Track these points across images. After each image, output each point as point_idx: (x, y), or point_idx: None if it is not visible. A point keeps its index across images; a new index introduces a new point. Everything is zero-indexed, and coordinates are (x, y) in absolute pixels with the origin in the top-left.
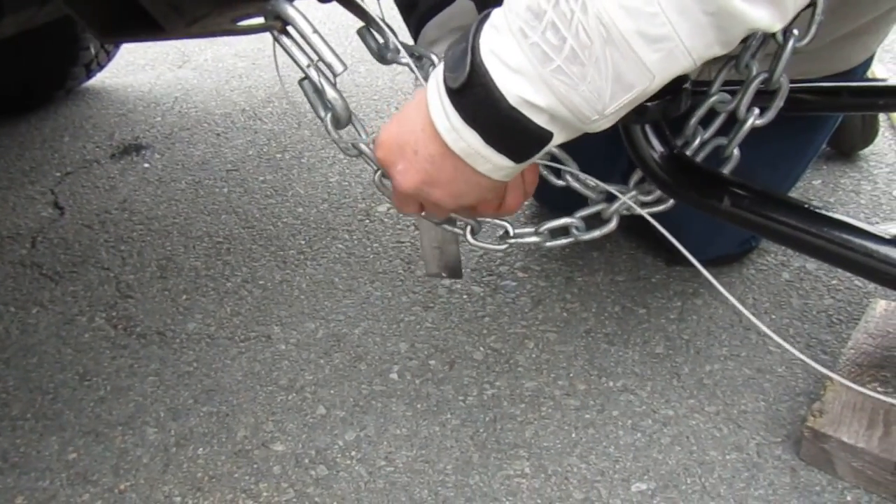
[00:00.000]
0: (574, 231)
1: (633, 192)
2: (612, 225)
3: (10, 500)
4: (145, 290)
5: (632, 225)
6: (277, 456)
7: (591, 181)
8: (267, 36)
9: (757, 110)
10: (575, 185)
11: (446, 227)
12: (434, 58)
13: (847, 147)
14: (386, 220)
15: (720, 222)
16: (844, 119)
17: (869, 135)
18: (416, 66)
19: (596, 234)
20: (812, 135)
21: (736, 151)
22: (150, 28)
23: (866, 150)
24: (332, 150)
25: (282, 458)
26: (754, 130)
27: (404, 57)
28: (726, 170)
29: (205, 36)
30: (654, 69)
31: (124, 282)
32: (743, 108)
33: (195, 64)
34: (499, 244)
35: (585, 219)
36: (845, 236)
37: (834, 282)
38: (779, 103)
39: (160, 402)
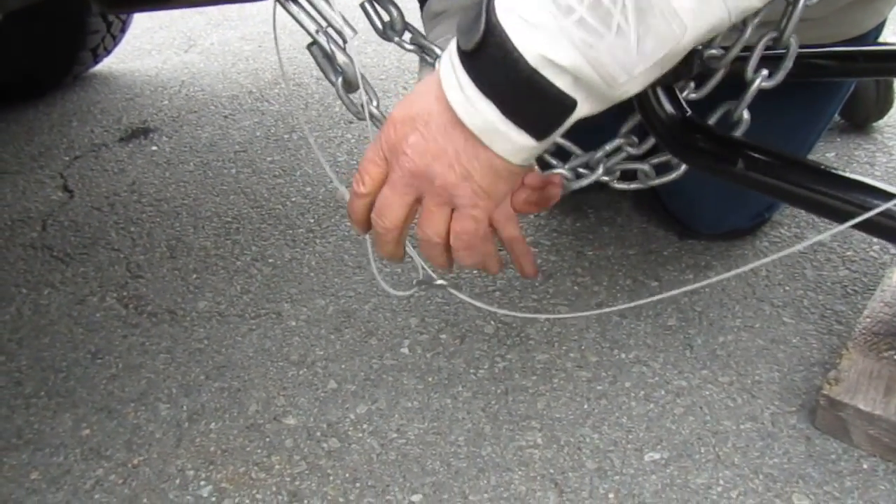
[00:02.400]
0: (564, 181)
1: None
2: (598, 174)
3: (26, 476)
4: (155, 270)
5: (643, 199)
6: (289, 429)
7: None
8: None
9: (766, 72)
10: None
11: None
12: (437, 50)
13: (861, 118)
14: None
15: (732, 196)
16: (858, 90)
17: (884, 105)
18: (421, 53)
19: (583, 182)
20: (825, 102)
21: (746, 114)
22: None
23: (881, 122)
24: (341, 130)
25: (294, 432)
26: (768, 97)
27: (406, 42)
28: (737, 133)
29: (210, 4)
30: (685, 18)
31: (134, 262)
32: (750, 70)
33: (201, 48)
34: None
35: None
36: (863, 197)
37: (849, 253)
38: (788, 64)
39: (172, 378)
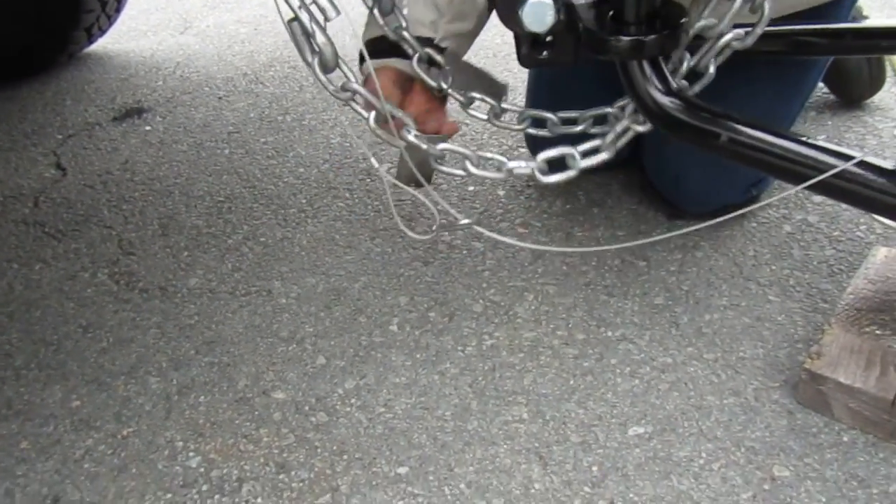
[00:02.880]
0: (571, 160)
1: (627, 122)
2: (606, 155)
3: (16, 445)
4: (147, 247)
5: (633, 182)
6: (278, 403)
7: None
8: (269, 2)
9: (741, 31)
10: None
11: (442, 168)
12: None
13: (856, 96)
14: (389, 176)
15: (718, 174)
16: (852, 69)
17: (877, 82)
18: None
19: (593, 161)
20: (804, 74)
21: (711, 69)
22: None
23: (872, 104)
24: (334, 112)
25: (282, 406)
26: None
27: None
28: (698, 86)
29: None
30: None
31: (126, 239)
32: (721, 28)
33: (197, 30)
34: (497, 173)
35: (582, 153)
36: (862, 172)
37: (836, 233)
38: (758, 31)
39: (162, 352)
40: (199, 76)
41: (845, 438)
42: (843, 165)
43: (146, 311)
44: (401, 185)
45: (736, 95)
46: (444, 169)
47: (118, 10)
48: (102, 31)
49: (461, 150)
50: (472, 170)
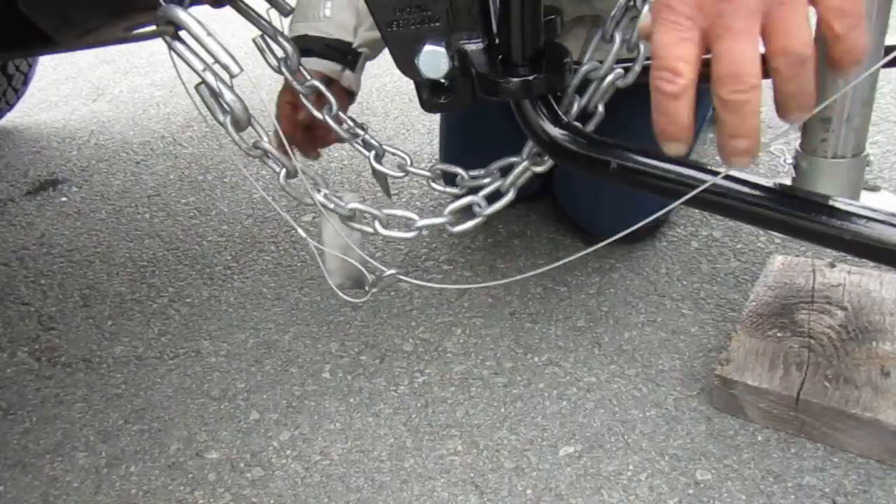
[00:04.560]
0: (476, 209)
1: (526, 163)
2: (511, 196)
3: None
4: (68, 320)
5: (550, 211)
6: (212, 463)
7: (474, 172)
8: (181, 65)
9: (620, 70)
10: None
11: (353, 224)
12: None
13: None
14: (311, 229)
15: (627, 199)
16: None
17: None
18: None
19: (497, 206)
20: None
21: (600, 108)
22: (41, 42)
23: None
24: (256, 167)
25: (217, 465)
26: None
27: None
28: (590, 126)
29: (99, 45)
30: None
31: (46, 314)
32: (603, 72)
33: (110, 97)
34: (408, 233)
35: (487, 197)
36: (730, 185)
37: (739, 245)
38: (637, 68)
39: (89, 426)
40: (114, 143)
41: (759, 438)
42: (712, 180)
43: (70, 386)
44: (325, 249)
45: (640, 123)
46: (356, 226)
47: (25, 84)
48: (10, 106)
49: (370, 209)
50: (382, 231)
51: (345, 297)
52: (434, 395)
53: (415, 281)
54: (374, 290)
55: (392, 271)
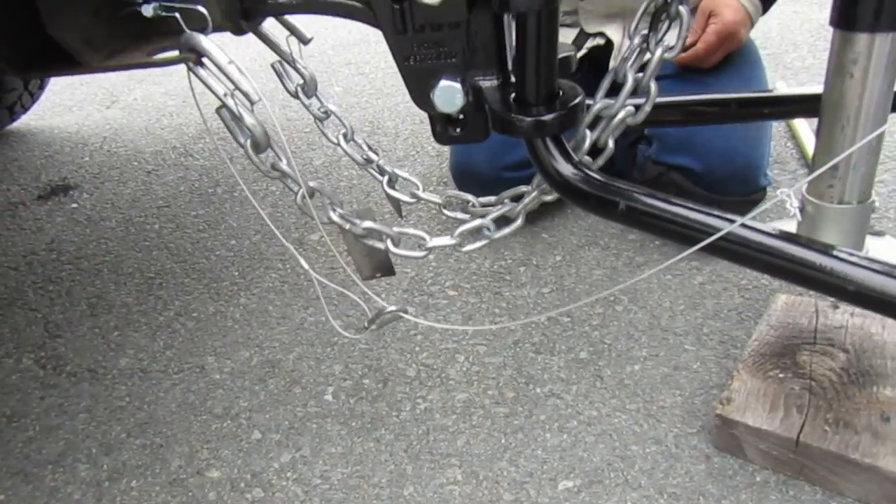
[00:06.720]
0: (486, 231)
1: (536, 192)
2: (520, 222)
3: None
4: (75, 328)
5: (556, 239)
6: (213, 482)
7: (484, 199)
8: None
9: (631, 108)
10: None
11: (368, 241)
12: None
13: None
14: (319, 248)
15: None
16: None
17: None
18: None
19: (506, 231)
20: None
21: (610, 144)
22: (66, 62)
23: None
24: (265, 183)
25: (217, 485)
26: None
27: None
28: (599, 161)
29: (123, 69)
30: None
31: (53, 322)
32: (616, 108)
33: (124, 104)
34: (419, 252)
35: (496, 220)
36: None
37: (743, 281)
38: (647, 108)
39: (92, 438)
40: (126, 150)
41: (758, 479)
42: (727, 227)
43: (74, 396)
44: (360, 282)
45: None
46: (368, 243)
47: (41, 88)
48: (25, 109)
49: (383, 228)
50: (395, 250)
51: (345, 333)
52: (435, 423)
53: (416, 318)
54: (373, 328)
55: (393, 308)
